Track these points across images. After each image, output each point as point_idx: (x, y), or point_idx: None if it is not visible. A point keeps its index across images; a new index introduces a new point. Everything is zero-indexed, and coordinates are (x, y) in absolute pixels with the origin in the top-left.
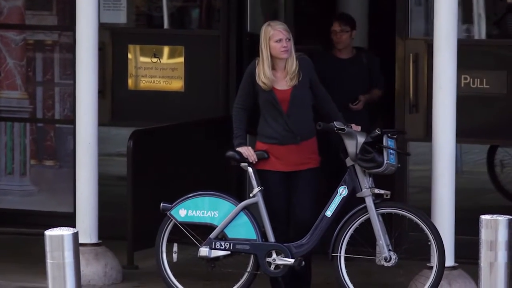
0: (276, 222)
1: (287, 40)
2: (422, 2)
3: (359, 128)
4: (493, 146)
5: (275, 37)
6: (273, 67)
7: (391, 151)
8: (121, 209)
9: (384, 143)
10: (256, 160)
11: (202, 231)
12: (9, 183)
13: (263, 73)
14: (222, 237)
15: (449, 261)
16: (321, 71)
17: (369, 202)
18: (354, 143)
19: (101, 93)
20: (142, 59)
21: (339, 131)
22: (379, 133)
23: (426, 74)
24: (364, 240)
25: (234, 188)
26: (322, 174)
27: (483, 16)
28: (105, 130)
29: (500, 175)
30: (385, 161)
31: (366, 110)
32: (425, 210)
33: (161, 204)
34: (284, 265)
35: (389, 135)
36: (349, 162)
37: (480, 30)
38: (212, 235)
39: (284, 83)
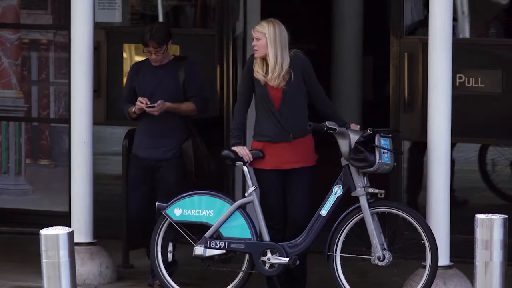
0: (272, 221)
1: (257, 39)
2: (417, 0)
3: (357, 127)
4: (485, 145)
5: (252, 36)
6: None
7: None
8: (116, 208)
9: (377, 143)
10: (251, 159)
11: (197, 230)
12: (4, 182)
13: (256, 70)
14: (217, 236)
15: (445, 260)
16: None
17: (363, 201)
18: (347, 143)
19: (96, 92)
20: (137, 58)
21: (330, 131)
22: (371, 132)
23: (421, 73)
24: (359, 239)
25: (230, 188)
26: None
27: (477, 15)
28: (100, 129)
29: (492, 174)
30: (377, 161)
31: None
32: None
33: (157, 203)
34: (279, 264)
35: (382, 134)
36: (343, 161)
37: (474, 29)
38: (207, 234)
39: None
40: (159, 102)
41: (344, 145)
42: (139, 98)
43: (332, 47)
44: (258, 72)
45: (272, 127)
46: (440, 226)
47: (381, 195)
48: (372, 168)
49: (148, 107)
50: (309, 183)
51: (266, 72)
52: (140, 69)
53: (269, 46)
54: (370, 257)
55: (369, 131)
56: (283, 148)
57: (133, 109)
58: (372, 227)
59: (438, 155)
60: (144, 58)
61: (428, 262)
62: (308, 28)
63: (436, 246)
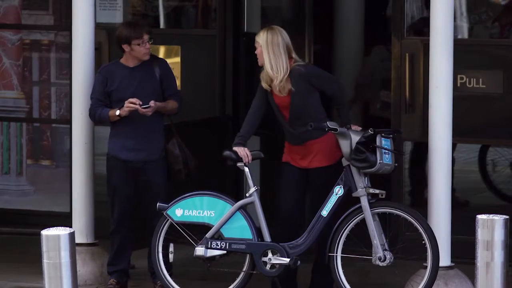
0: (275, 219)
1: (256, 48)
2: (418, 1)
3: (359, 128)
4: (485, 146)
5: None
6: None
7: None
8: None
9: (378, 143)
10: (251, 161)
11: (198, 230)
12: (6, 182)
13: (261, 77)
14: (218, 236)
15: (446, 260)
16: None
17: (364, 201)
18: (348, 143)
19: None
20: None
21: (332, 131)
22: (372, 133)
23: (422, 74)
24: (360, 239)
25: (231, 188)
26: None
27: (478, 16)
28: (101, 130)
29: (492, 174)
30: (378, 161)
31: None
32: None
33: (158, 204)
34: (280, 264)
35: (383, 134)
36: (344, 161)
37: (475, 30)
38: (208, 234)
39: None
40: (152, 102)
41: (345, 146)
42: (131, 100)
43: (333, 47)
44: (262, 80)
45: (285, 132)
46: (441, 227)
47: (382, 195)
48: (373, 169)
49: (144, 108)
50: (324, 183)
51: (270, 81)
52: (113, 73)
53: (264, 55)
54: (371, 257)
55: (370, 132)
56: (297, 150)
57: (117, 112)
58: (373, 227)
59: (439, 156)
60: (113, 61)
61: (429, 263)
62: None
63: (437, 246)
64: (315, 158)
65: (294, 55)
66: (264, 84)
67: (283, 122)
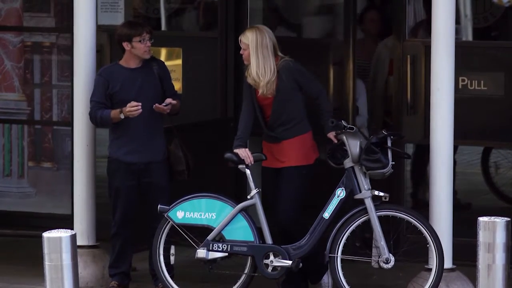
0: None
1: (243, 49)
2: (419, 3)
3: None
4: (488, 148)
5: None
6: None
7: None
8: None
9: (389, 145)
10: (253, 162)
11: (200, 233)
12: (7, 185)
13: (247, 74)
14: (220, 238)
15: (447, 263)
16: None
17: (369, 203)
18: (357, 144)
19: None
20: None
21: (348, 130)
22: (385, 134)
23: (424, 76)
24: (362, 241)
25: (233, 190)
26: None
27: (480, 18)
28: (103, 132)
29: (495, 176)
30: (390, 162)
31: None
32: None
33: (159, 206)
34: (282, 267)
35: (391, 137)
36: (348, 163)
37: (476, 32)
38: (210, 236)
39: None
40: (168, 100)
41: (354, 146)
42: (133, 103)
43: None
44: (248, 77)
45: (264, 129)
46: (442, 229)
47: (386, 198)
48: (385, 169)
49: (165, 106)
50: (290, 183)
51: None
52: (113, 75)
53: (251, 56)
54: (371, 259)
55: (383, 133)
56: (274, 147)
57: (122, 116)
58: (378, 229)
59: (441, 158)
60: (112, 63)
61: (434, 265)
62: None
63: (442, 249)
64: (288, 157)
65: (279, 52)
66: (250, 81)
67: (262, 121)
